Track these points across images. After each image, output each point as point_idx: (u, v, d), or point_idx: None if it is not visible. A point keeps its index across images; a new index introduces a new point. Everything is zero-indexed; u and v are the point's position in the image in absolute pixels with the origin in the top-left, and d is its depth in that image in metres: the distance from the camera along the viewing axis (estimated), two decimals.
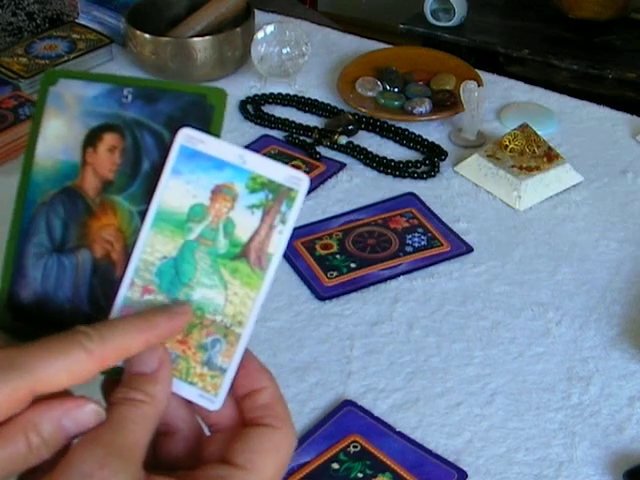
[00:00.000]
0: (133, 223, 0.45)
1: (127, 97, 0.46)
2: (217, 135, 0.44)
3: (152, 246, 0.44)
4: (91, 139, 0.46)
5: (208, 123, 0.45)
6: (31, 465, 0.40)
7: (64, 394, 0.41)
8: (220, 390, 0.44)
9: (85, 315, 0.46)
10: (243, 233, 0.43)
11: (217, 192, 0.43)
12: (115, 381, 0.45)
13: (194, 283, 0.44)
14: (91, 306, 0.46)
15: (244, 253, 0.43)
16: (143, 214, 0.45)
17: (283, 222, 0.43)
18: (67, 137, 0.47)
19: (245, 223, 0.43)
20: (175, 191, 0.44)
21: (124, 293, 0.45)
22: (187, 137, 0.44)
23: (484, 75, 1.24)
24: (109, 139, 0.46)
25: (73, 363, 0.39)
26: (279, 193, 0.43)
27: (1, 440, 0.39)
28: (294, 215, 0.43)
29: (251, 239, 0.43)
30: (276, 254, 0.43)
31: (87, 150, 0.46)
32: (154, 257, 0.44)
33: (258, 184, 0.43)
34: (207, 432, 0.46)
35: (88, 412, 0.41)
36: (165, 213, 0.44)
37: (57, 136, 0.47)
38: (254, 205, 0.43)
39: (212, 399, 0.44)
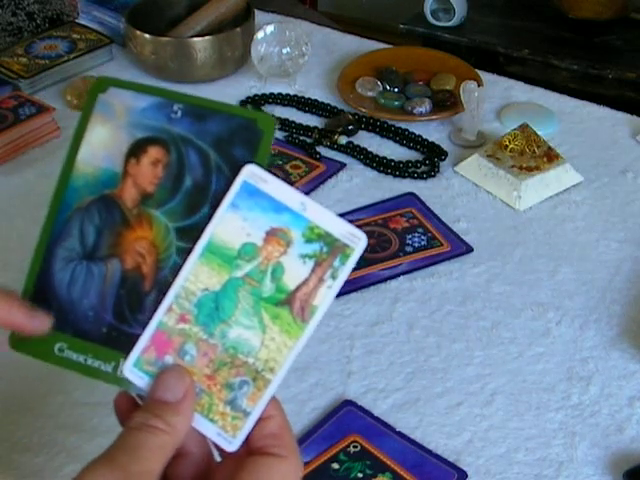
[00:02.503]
0: (168, 238, 0.45)
1: (177, 112, 0.46)
2: (264, 161, 0.44)
3: (196, 276, 0.44)
4: (135, 150, 0.46)
5: (255, 147, 0.44)
6: None
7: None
8: (239, 432, 0.43)
9: (108, 324, 0.45)
10: (291, 281, 0.43)
11: (272, 234, 0.43)
12: (129, 399, 0.45)
13: (232, 321, 0.44)
14: (115, 316, 0.45)
15: (288, 301, 0.43)
16: (179, 231, 0.45)
17: (334, 277, 0.43)
18: (111, 145, 0.47)
19: (295, 271, 0.43)
20: (230, 226, 0.44)
21: (160, 317, 0.44)
22: (251, 174, 0.44)
23: (484, 75, 1.24)
24: (153, 152, 0.46)
25: None
26: (334, 247, 0.43)
27: None
28: (346, 272, 0.42)
29: (298, 288, 0.43)
30: (321, 308, 0.43)
31: (130, 161, 0.46)
32: (196, 287, 0.44)
33: (315, 234, 0.43)
34: (217, 458, 0.46)
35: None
36: (216, 246, 0.44)
37: (101, 143, 0.47)
38: (307, 255, 0.43)
39: (230, 440, 0.43)
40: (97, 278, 0.46)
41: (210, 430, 0.44)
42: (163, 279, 0.45)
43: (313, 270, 0.43)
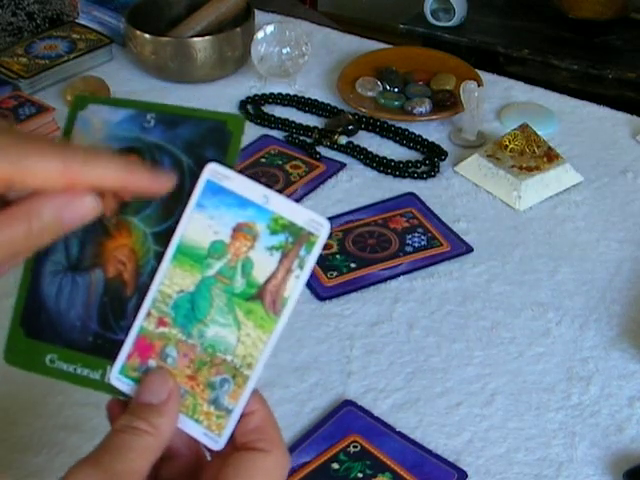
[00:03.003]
0: (146, 244, 0.45)
1: (150, 122, 0.47)
2: (234, 160, 0.44)
3: (171, 279, 0.44)
4: None
5: (225, 148, 0.45)
6: (29, 249, 0.43)
7: (65, 189, 0.42)
8: (224, 431, 0.44)
9: (94, 333, 0.46)
10: (260, 274, 0.43)
11: (238, 230, 0.43)
12: (121, 403, 0.45)
13: (208, 320, 0.44)
14: (100, 324, 0.46)
15: (260, 295, 0.43)
16: (156, 236, 0.45)
17: (301, 267, 0.43)
18: None
19: (263, 264, 0.43)
20: (197, 225, 0.44)
21: (140, 322, 0.45)
22: (214, 172, 0.44)
23: (484, 75, 1.24)
24: None
25: (50, 171, 0.40)
26: (299, 237, 0.43)
27: (5, 221, 0.41)
28: (312, 261, 0.43)
29: (268, 281, 0.43)
30: (291, 299, 0.43)
31: None
32: (172, 290, 0.44)
33: (279, 226, 0.43)
34: (208, 457, 0.46)
35: (87, 203, 0.42)
36: (186, 247, 0.44)
37: None
38: (274, 247, 0.43)
39: (216, 439, 0.44)
40: (82, 288, 0.47)
41: (196, 431, 0.44)
42: (143, 284, 0.45)
43: (280, 261, 0.43)
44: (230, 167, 0.44)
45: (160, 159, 0.46)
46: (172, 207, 0.45)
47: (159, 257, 0.45)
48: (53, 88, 1.27)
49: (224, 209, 0.44)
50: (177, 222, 0.45)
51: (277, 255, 0.43)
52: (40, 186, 0.41)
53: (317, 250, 0.43)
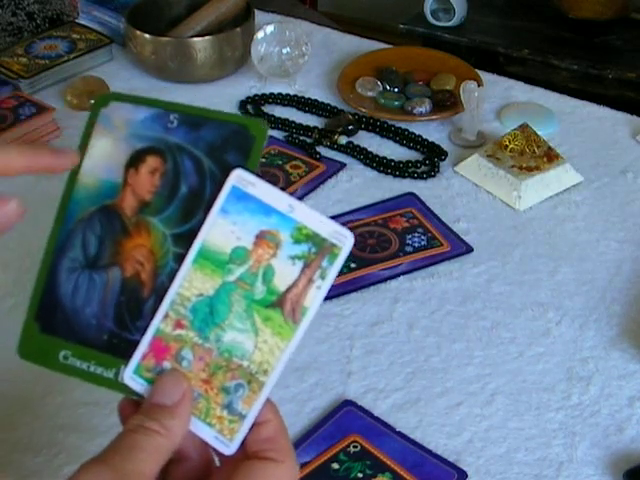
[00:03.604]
0: (165, 245, 0.45)
1: (173, 122, 0.47)
2: (255, 165, 0.44)
3: (190, 282, 0.44)
4: (134, 160, 0.47)
5: (247, 153, 0.45)
6: None
7: None
8: (236, 435, 0.44)
9: (109, 332, 0.46)
10: (281, 282, 0.43)
11: (261, 237, 0.44)
12: (133, 404, 0.45)
13: (226, 325, 0.44)
14: (116, 323, 0.46)
15: (280, 303, 0.43)
16: (176, 237, 0.45)
17: (322, 277, 0.43)
18: (112, 157, 0.48)
19: (285, 273, 0.43)
20: (220, 230, 0.44)
21: (157, 324, 0.45)
22: (239, 178, 0.44)
23: (484, 75, 1.24)
24: (151, 161, 0.47)
25: None
26: (322, 248, 0.43)
27: None
28: (334, 272, 0.43)
29: (288, 290, 0.43)
30: (311, 309, 0.43)
31: (129, 171, 0.47)
32: (191, 293, 0.44)
33: (303, 235, 0.43)
34: (217, 463, 0.46)
35: (11, 208, 0.45)
36: (208, 251, 0.44)
37: (103, 156, 0.48)
38: (296, 256, 0.43)
39: (227, 443, 0.44)
40: (99, 286, 0.47)
41: (208, 434, 0.44)
42: (161, 285, 0.45)
43: (302, 271, 0.43)
44: (253, 172, 0.44)
45: (181, 160, 0.46)
46: (193, 209, 0.45)
47: (178, 259, 0.45)
48: (53, 88, 1.27)
49: (248, 215, 0.44)
50: (197, 224, 0.45)
51: (299, 264, 0.43)
52: None
53: (340, 262, 0.43)
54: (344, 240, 0.43)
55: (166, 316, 0.45)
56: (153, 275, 0.45)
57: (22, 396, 0.79)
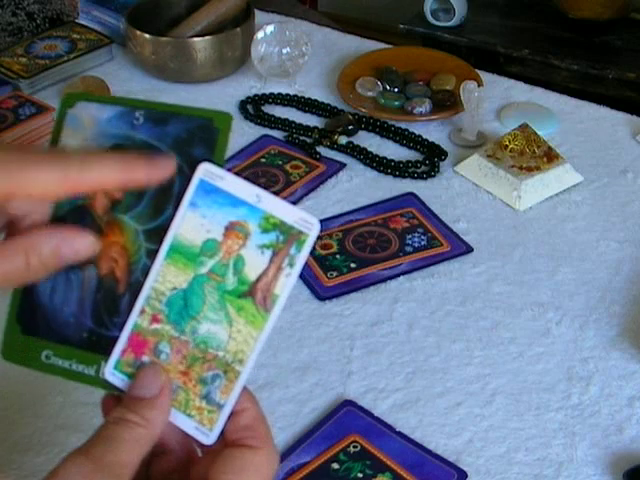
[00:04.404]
0: (138, 241, 0.46)
1: (138, 119, 0.47)
2: (222, 158, 0.45)
3: (164, 276, 0.45)
4: None
5: (213, 146, 0.45)
6: (24, 282, 0.45)
7: (64, 226, 0.44)
8: (215, 425, 0.44)
9: (88, 329, 0.47)
10: (252, 272, 0.44)
11: (230, 229, 0.44)
12: (115, 399, 0.46)
13: (201, 317, 0.44)
14: (94, 320, 0.47)
15: (251, 292, 0.44)
16: (147, 233, 0.46)
17: (291, 265, 0.43)
18: None
19: (255, 262, 0.44)
20: (191, 224, 0.45)
21: (134, 319, 0.45)
22: (207, 172, 0.45)
23: (484, 75, 1.24)
24: None
25: (50, 181, 0.41)
26: (290, 235, 0.43)
27: (3, 254, 0.42)
28: (302, 259, 0.43)
29: (259, 279, 0.44)
30: (281, 296, 0.44)
31: None
32: (165, 287, 0.45)
33: (270, 224, 0.44)
34: (199, 453, 0.47)
35: (85, 241, 0.44)
36: (180, 245, 0.45)
37: None
38: (265, 245, 0.44)
39: (207, 433, 0.45)
40: (75, 285, 0.47)
41: (188, 425, 0.45)
42: (135, 281, 0.46)
43: (271, 260, 0.43)
44: (219, 165, 0.45)
45: None
46: (162, 205, 0.45)
47: (151, 254, 0.45)
48: (53, 88, 1.27)
49: (217, 208, 0.44)
50: (168, 219, 0.45)
51: (268, 253, 0.43)
52: (42, 195, 0.42)
53: (307, 249, 0.43)
54: (311, 227, 0.43)
55: (142, 311, 0.45)
56: (127, 271, 0.46)
57: (22, 396, 0.79)
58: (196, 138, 0.46)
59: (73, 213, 0.47)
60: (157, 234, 0.45)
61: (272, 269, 0.43)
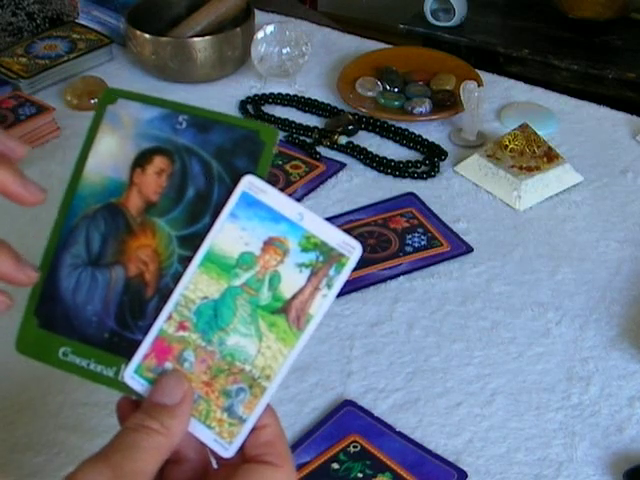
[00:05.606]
0: (170, 247, 0.46)
1: (182, 123, 0.47)
2: (265, 171, 0.45)
3: (196, 284, 0.45)
4: (141, 160, 0.47)
5: (257, 158, 0.45)
6: None
7: None
8: (235, 439, 0.44)
9: (110, 330, 0.46)
10: (287, 289, 0.44)
11: (269, 244, 0.44)
12: (131, 403, 0.45)
13: (230, 329, 0.44)
14: (118, 322, 0.46)
15: (285, 309, 0.44)
16: (181, 239, 0.45)
17: (329, 286, 0.43)
18: (118, 155, 0.48)
19: (291, 280, 0.44)
20: (229, 235, 0.44)
21: (160, 324, 0.45)
22: (250, 184, 0.44)
23: (484, 75, 1.24)
24: (158, 162, 0.47)
25: None
26: (330, 257, 0.43)
27: None
28: (341, 281, 0.43)
29: (294, 297, 0.44)
30: (316, 317, 0.43)
31: (135, 170, 0.47)
32: (195, 295, 0.45)
33: (311, 244, 0.43)
34: (215, 465, 0.46)
35: None
36: (215, 255, 0.44)
37: (109, 153, 0.48)
38: (303, 264, 0.43)
39: (226, 446, 0.44)
40: (101, 284, 0.47)
41: (207, 436, 0.44)
42: (165, 286, 0.45)
43: (309, 279, 0.43)
44: (262, 178, 0.44)
45: (189, 163, 0.46)
46: (199, 212, 0.45)
47: (183, 261, 0.45)
48: (53, 88, 1.27)
49: (257, 222, 0.44)
50: (204, 227, 0.45)
51: (306, 272, 0.43)
52: None
53: (347, 271, 0.43)
54: (352, 250, 0.43)
55: (170, 317, 0.45)
56: (157, 276, 0.46)
57: (22, 396, 0.79)
58: (240, 149, 0.45)
59: (104, 211, 0.47)
60: (191, 241, 0.45)
61: (309, 288, 0.43)
